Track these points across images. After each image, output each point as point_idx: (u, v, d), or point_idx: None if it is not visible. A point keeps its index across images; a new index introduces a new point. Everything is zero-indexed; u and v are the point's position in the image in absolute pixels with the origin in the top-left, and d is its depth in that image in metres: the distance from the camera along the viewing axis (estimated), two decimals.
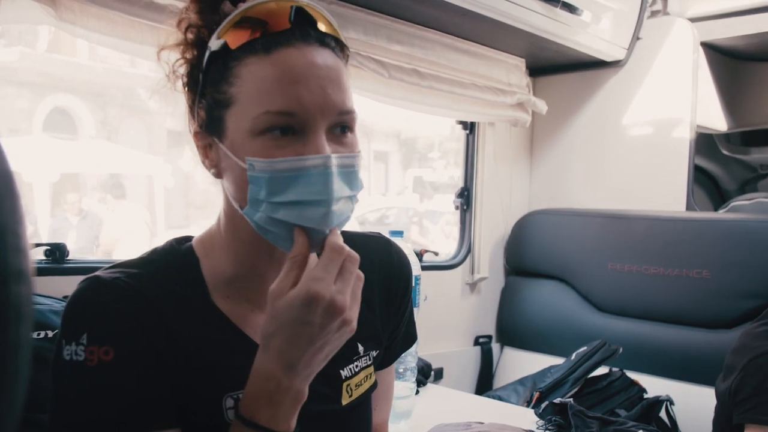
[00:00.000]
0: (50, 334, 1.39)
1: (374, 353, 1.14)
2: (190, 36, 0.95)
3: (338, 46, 0.94)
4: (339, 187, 0.89)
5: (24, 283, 0.47)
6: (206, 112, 0.94)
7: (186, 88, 0.98)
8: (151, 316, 0.91)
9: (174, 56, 0.98)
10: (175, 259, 0.99)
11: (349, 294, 0.88)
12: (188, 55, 0.96)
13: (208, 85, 0.93)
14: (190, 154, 1.04)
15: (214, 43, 0.91)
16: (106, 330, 0.88)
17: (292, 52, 0.89)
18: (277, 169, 0.88)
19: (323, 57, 0.90)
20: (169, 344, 0.91)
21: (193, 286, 0.97)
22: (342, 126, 0.92)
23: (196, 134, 0.97)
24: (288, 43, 0.89)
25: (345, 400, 1.06)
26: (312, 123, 0.88)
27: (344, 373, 1.07)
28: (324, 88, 0.89)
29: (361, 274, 0.91)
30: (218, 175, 0.96)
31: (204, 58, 0.93)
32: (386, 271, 1.18)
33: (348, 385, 1.07)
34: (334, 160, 0.89)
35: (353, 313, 0.89)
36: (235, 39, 0.90)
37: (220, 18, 0.93)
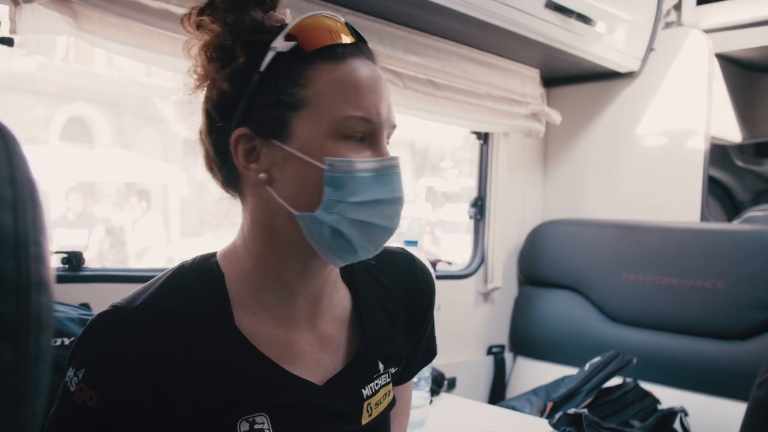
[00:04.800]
0: (67, 341, 1.40)
1: (393, 370, 1.14)
2: (242, 39, 0.93)
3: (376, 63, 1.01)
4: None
5: (44, 293, 0.48)
6: (264, 114, 0.93)
7: (230, 90, 0.94)
8: (159, 357, 0.90)
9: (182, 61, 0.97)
10: (200, 277, 0.98)
11: None
12: (239, 57, 0.93)
13: (269, 86, 0.92)
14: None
15: (282, 44, 0.92)
16: (101, 376, 0.88)
17: (361, 63, 0.95)
18: (359, 169, 0.91)
19: (378, 72, 0.97)
20: (182, 379, 0.90)
21: (216, 307, 0.96)
22: (388, 137, 0.99)
23: (240, 138, 0.94)
24: (356, 55, 0.95)
25: (365, 420, 1.06)
26: (380, 132, 0.95)
27: (365, 392, 1.06)
28: (387, 102, 0.96)
29: None
30: (268, 180, 0.94)
31: (263, 59, 0.92)
32: (411, 288, 1.18)
33: (368, 404, 1.07)
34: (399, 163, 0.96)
35: None
36: (309, 43, 0.92)
37: (256, 23, 0.94)
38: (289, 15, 0.97)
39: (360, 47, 0.96)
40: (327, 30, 0.94)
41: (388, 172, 0.94)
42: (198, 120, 1.00)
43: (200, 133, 1.00)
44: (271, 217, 0.96)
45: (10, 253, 0.44)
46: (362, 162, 0.92)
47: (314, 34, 0.93)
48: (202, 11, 0.94)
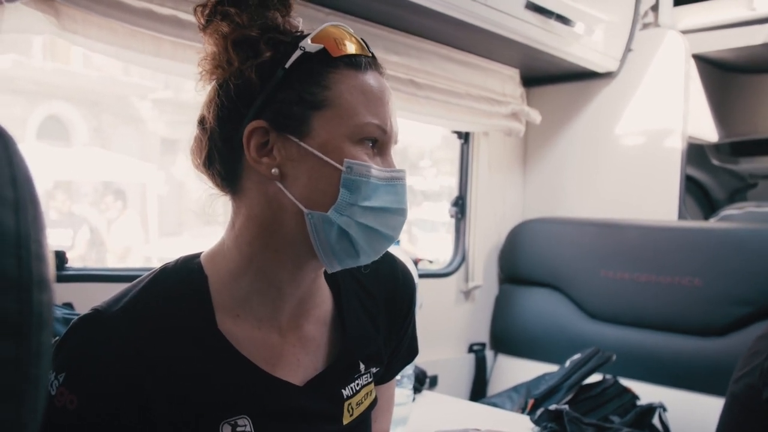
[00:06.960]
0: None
1: (375, 370, 1.14)
2: (267, 35, 0.95)
3: None
4: None
5: (45, 291, 0.48)
6: (283, 109, 0.93)
7: (253, 81, 0.94)
8: (139, 361, 0.90)
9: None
10: (182, 279, 0.98)
11: None
12: (264, 52, 0.94)
13: (294, 83, 0.93)
14: (184, 162, 1.03)
15: (310, 46, 0.94)
16: (81, 380, 0.88)
17: (378, 77, 0.99)
18: (374, 175, 0.94)
19: (389, 87, 1.01)
20: (162, 382, 0.91)
21: (198, 310, 0.96)
22: None
23: (254, 130, 0.94)
24: (374, 68, 0.99)
25: (346, 420, 1.07)
26: (389, 143, 0.99)
27: (346, 392, 1.07)
28: (395, 116, 1.00)
29: None
30: (279, 175, 0.94)
31: (288, 57, 0.94)
32: (392, 289, 1.18)
33: (349, 404, 1.07)
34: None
35: None
36: (335, 48, 0.95)
37: (277, 24, 0.97)
38: (301, 23, 1.00)
39: (375, 62, 1.00)
40: (351, 41, 0.97)
41: (397, 183, 0.97)
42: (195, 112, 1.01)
43: (202, 122, 0.99)
44: (274, 215, 0.95)
45: (12, 251, 0.45)
46: (377, 169, 0.95)
47: (340, 42, 0.96)
48: (230, 2, 0.95)
